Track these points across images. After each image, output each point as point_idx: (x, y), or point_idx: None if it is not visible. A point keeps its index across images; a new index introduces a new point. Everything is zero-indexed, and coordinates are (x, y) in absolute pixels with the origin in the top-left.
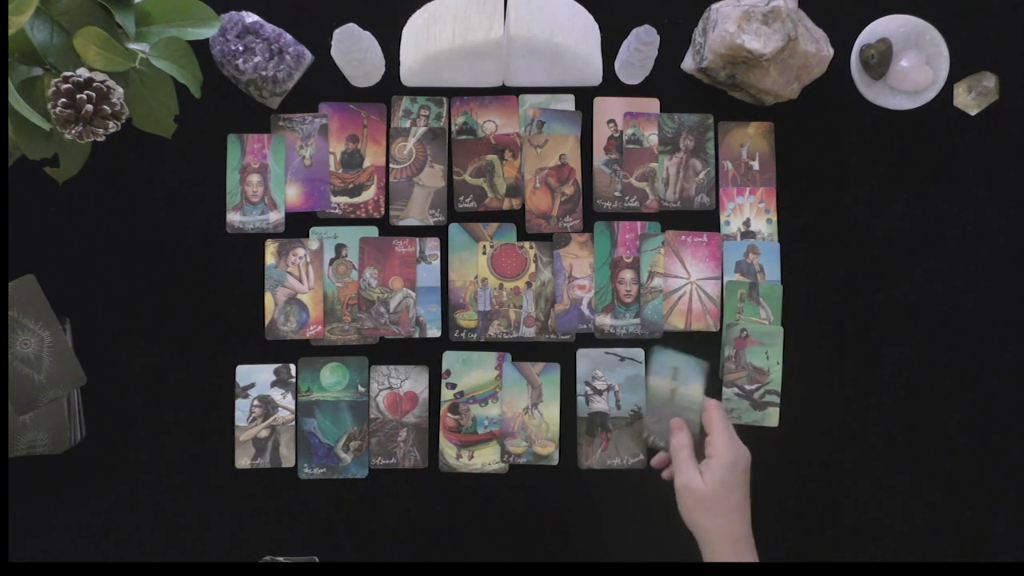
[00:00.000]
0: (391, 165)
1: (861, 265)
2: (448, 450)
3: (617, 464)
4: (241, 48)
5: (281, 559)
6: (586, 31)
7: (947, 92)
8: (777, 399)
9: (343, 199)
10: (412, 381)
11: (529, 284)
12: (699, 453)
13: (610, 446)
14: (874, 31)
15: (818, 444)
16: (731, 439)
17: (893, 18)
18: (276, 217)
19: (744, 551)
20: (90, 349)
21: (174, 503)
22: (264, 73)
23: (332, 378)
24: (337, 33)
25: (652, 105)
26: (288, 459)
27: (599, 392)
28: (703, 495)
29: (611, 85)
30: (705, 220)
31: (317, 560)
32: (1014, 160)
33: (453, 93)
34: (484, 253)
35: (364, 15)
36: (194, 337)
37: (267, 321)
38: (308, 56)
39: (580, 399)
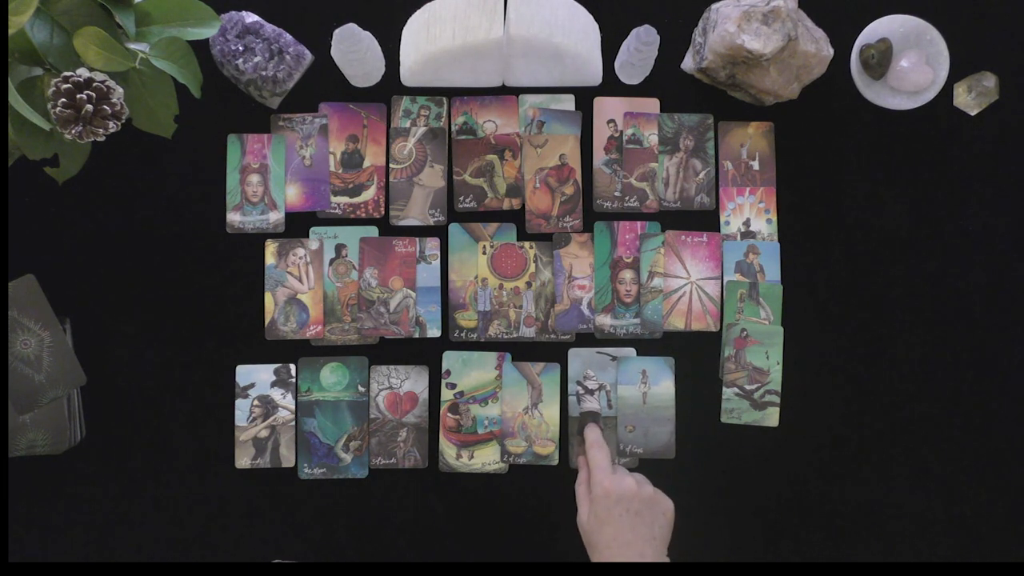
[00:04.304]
0: (391, 165)
1: (861, 265)
2: (448, 450)
3: None
4: (241, 48)
5: (289, 562)
6: (586, 31)
7: (947, 92)
8: (777, 399)
9: (343, 199)
10: (412, 381)
11: (529, 284)
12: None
13: None
14: (874, 31)
15: (818, 444)
16: (605, 474)
17: (893, 18)
18: (276, 217)
19: None
20: (90, 349)
21: (174, 503)
22: (264, 73)
23: (332, 378)
24: (337, 33)
25: (652, 105)
26: (288, 459)
27: (590, 392)
28: (583, 529)
29: (611, 85)
30: (705, 220)
31: None
32: (1014, 160)
33: (453, 93)
34: (484, 253)
35: (364, 15)
36: (194, 337)
37: (267, 321)
38: (308, 56)
39: (571, 398)
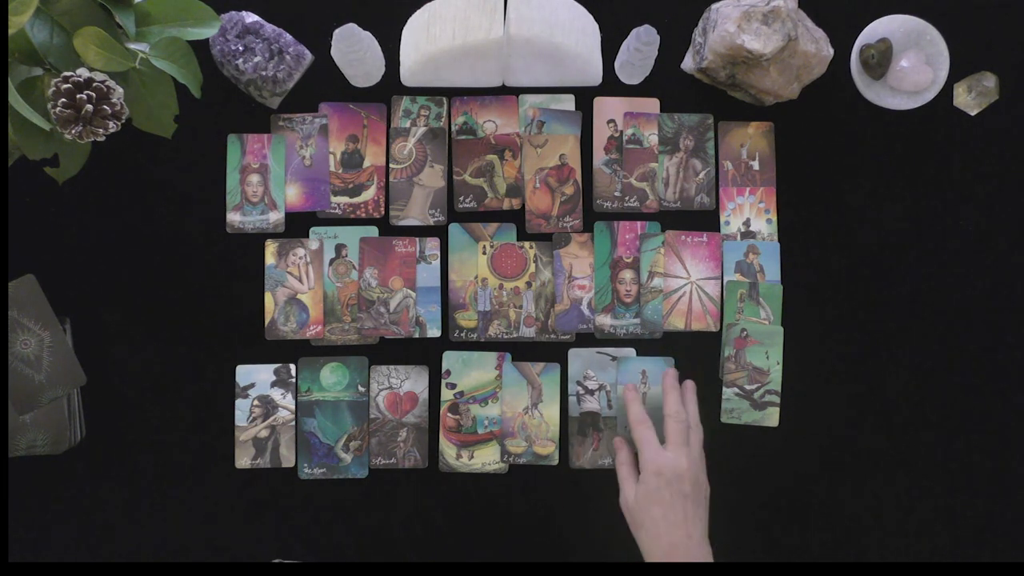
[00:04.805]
0: (391, 165)
1: (861, 265)
2: (448, 450)
3: (608, 464)
4: (241, 48)
5: (290, 562)
6: (586, 31)
7: (947, 92)
8: (777, 399)
9: (343, 199)
10: (412, 381)
11: (529, 284)
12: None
13: (601, 446)
14: (874, 31)
15: (818, 444)
16: (656, 451)
17: (893, 18)
18: (276, 217)
19: (681, 556)
20: (90, 349)
21: (174, 503)
22: (264, 73)
23: (332, 378)
24: (337, 33)
25: (652, 105)
26: (288, 459)
27: (591, 392)
28: (630, 509)
29: (611, 85)
30: (705, 220)
31: None
32: (1014, 160)
33: (453, 93)
34: (484, 253)
35: (364, 15)
36: (194, 337)
37: (267, 321)
38: (308, 56)
39: (572, 399)
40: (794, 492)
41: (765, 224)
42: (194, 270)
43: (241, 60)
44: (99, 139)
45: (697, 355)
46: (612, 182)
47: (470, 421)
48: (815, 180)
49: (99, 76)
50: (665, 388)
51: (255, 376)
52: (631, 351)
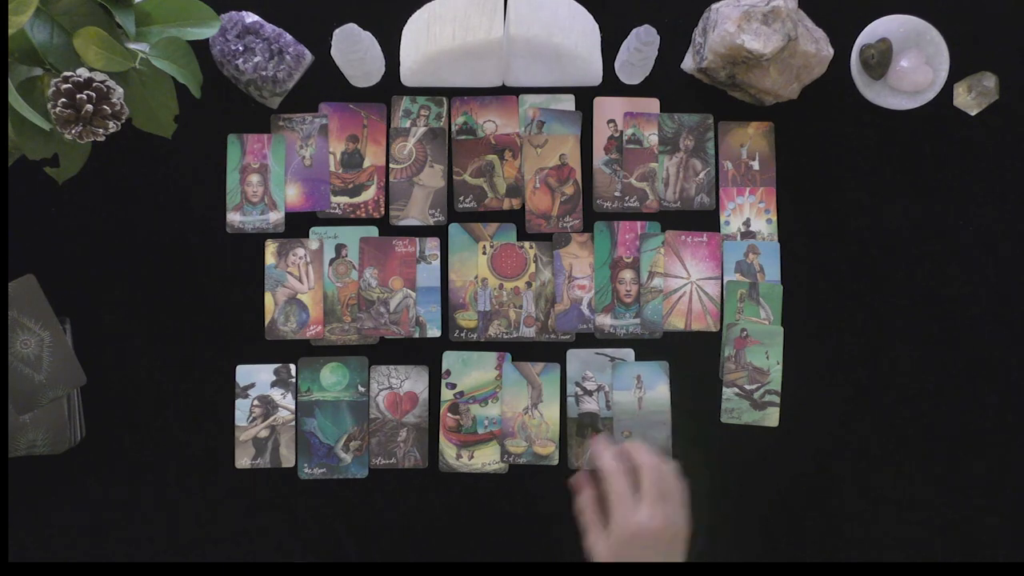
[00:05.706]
0: (391, 165)
1: (861, 265)
2: (448, 450)
3: None
4: (241, 48)
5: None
6: (586, 31)
7: (947, 92)
8: (777, 399)
9: (343, 199)
10: (412, 381)
11: (529, 284)
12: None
13: None
14: (874, 31)
15: (818, 444)
16: (630, 509)
17: (893, 18)
18: (276, 217)
19: None
20: (90, 349)
21: (174, 503)
22: (264, 73)
23: (332, 378)
24: (337, 33)
25: (652, 105)
26: (288, 459)
27: (589, 393)
28: (598, 558)
29: (611, 85)
30: (705, 220)
31: None
32: (1014, 160)
33: (453, 93)
34: (484, 253)
35: (364, 15)
36: (194, 337)
37: (267, 321)
38: (308, 56)
39: (570, 400)
40: (794, 492)
41: (765, 224)
42: (194, 270)
43: (241, 60)
44: (99, 139)
45: (697, 355)
46: (612, 182)
47: (470, 421)
48: (815, 180)
49: (99, 76)
50: (627, 446)
51: (255, 376)
52: (630, 352)
